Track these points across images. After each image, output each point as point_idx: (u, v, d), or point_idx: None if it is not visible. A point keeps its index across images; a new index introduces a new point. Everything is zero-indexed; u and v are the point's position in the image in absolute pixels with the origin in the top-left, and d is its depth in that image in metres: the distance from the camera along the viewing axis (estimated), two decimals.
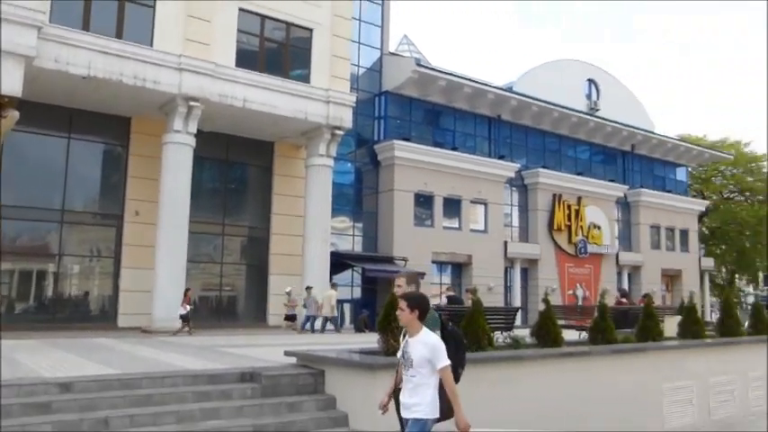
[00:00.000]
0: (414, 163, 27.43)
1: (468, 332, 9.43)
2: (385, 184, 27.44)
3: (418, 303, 4.91)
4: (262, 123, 20.92)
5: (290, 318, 20.05)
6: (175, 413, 7.11)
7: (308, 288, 19.94)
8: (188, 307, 17.91)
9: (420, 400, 4.81)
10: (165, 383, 7.80)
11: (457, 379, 5.38)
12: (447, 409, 4.99)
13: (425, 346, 4.78)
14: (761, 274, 54.03)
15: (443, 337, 5.19)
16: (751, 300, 43.75)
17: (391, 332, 8.44)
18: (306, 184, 21.94)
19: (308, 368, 8.58)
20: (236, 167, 23.18)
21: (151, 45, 18.36)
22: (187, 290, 18.27)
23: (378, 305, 22.80)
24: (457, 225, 29.04)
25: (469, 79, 29.72)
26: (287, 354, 9.14)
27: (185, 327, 17.44)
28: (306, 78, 21.33)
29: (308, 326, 19.39)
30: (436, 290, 27.27)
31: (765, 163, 46.96)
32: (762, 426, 12.40)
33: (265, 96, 19.83)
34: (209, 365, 9.13)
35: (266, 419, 7.36)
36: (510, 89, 31.67)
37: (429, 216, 28.30)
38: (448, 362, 4.76)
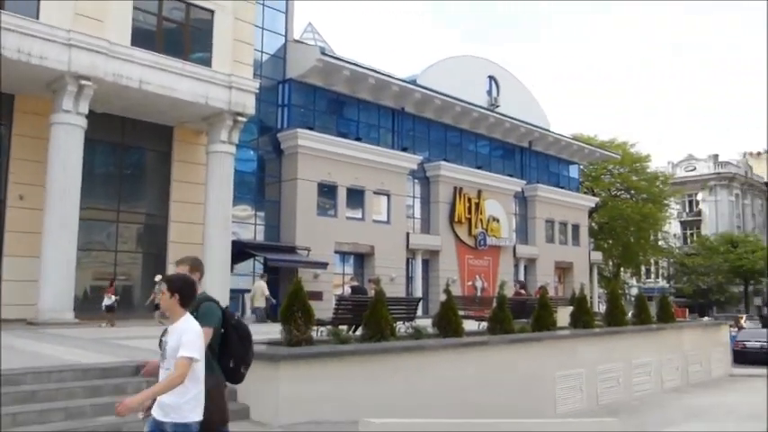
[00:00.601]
0: (317, 152, 27.21)
1: (371, 322, 9.44)
2: (288, 173, 27.08)
3: (179, 287, 4.24)
4: (160, 106, 20.08)
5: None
6: (64, 410, 6.70)
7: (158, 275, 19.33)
8: (113, 297, 17.16)
9: (177, 400, 4.03)
10: (52, 378, 7.35)
11: (240, 378, 4.93)
12: (216, 411, 4.46)
13: (180, 334, 4.09)
14: (643, 268, 57.69)
15: (226, 332, 4.74)
16: (634, 291, 46.56)
17: (294, 322, 8.32)
18: (207, 170, 21.27)
19: None
20: (133, 152, 22.15)
21: (37, 18, 17.16)
22: (112, 279, 17.41)
23: (280, 295, 22.51)
24: (360, 216, 29.11)
25: (374, 70, 29.77)
26: None
27: (109, 319, 16.81)
28: (207, 62, 20.64)
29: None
30: (339, 280, 27.30)
31: (649, 164, 50.09)
32: (643, 409, 13.18)
33: (164, 78, 19.02)
34: (102, 359, 8.67)
35: None
36: (414, 82, 32.00)
37: (332, 206, 28.19)
38: (193, 354, 4.01)
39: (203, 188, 21.21)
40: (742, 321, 44.19)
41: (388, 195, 30.23)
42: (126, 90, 18.58)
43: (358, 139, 29.48)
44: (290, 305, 8.43)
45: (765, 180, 71.66)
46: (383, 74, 30.13)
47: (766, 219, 70.62)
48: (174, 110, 20.41)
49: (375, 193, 29.64)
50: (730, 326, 26.10)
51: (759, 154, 76.58)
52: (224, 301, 19.62)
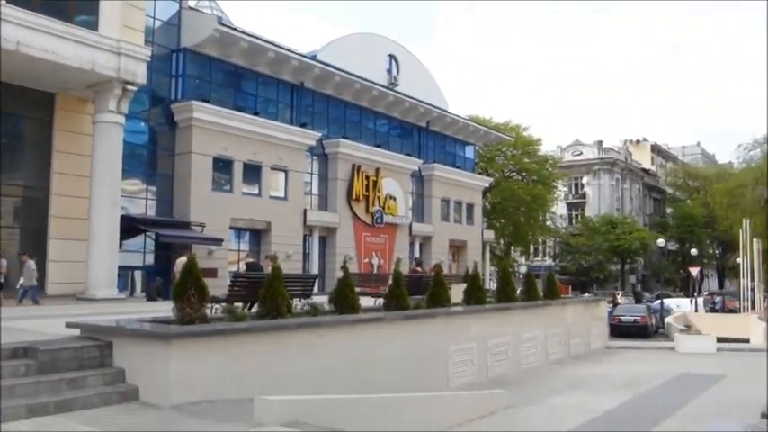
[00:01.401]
0: (213, 126, 26.38)
1: (267, 299, 9.31)
2: (182, 147, 26.10)
3: None
4: (40, 71, 18.69)
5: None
6: None
7: (23, 255, 18.24)
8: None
9: None
10: None
11: None
12: None
13: None
14: (532, 247, 60.33)
15: None
16: (523, 269, 48.61)
17: (188, 300, 8.07)
18: (93, 141, 20.10)
19: (93, 340, 7.91)
20: (8, 119, 20.51)
21: None
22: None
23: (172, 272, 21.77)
24: (257, 191, 28.58)
25: (273, 44, 29.13)
26: (69, 325, 8.34)
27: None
28: (94, 26, 19.37)
29: (25, 297, 17.31)
30: (234, 257, 26.76)
31: (540, 147, 52.22)
32: (529, 380, 13.83)
33: (45, 41, 17.68)
34: None
35: (43, 398, 6.68)
36: (313, 57, 31.60)
37: (228, 181, 27.50)
38: None
39: (89, 160, 20.06)
40: (618, 298, 47.33)
41: (286, 171, 29.85)
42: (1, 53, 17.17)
43: (256, 114, 28.82)
44: (184, 282, 8.16)
45: (642, 166, 76.61)
46: (282, 48, 29.55)
47: (642, 202, 75.62)
48: (56, 76, 19.08)
49: (272, 168, 29.17)
50: (608, 302, 27.80)
51: (638, 142, 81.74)
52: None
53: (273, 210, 28.86)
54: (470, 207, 42.29)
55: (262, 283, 9.72)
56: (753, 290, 39.37)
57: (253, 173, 28.35)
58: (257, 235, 29.11)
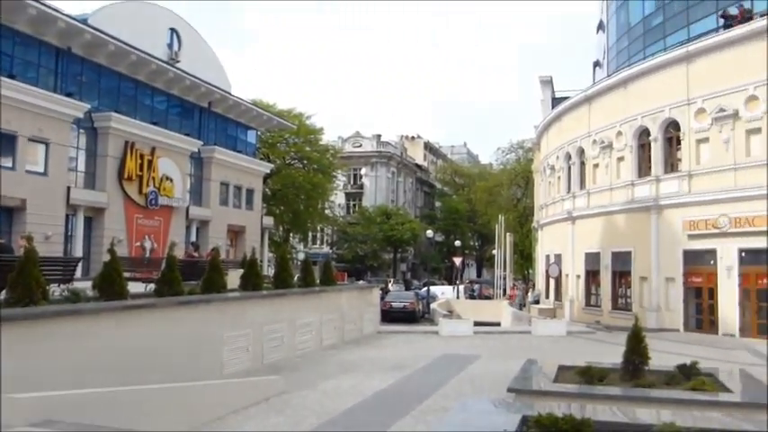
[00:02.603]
0: None
1: (18, 285, 8.30)
2: None
3: None
4: None
5: None
6: None
7: None
8: None
9: None
10: None
11: None
12: None
13: None
14: (310, 234, 61.25)
15: None
16: (302, 256, 49.20)
17: None
18: None
19: None
20: None
21: None
22: None
23: None
24: (11, 164, 25.37)
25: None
26: None
27: None
28: None
29: None
30: None
31: (322, 136, 53.07)
32: (304, 365, 13.98)
33: None
34: None
35: None
36: (84, 21, 28.79)
37: None
38: None
39: None
40: (390, 285, 49.96)
41: (47, 144, 26.87)
42: None
43: (11, 77, 25.46)
44: None
45: (416, 162, 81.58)
46: (47, 5, 26.47)
47: (414, 195, 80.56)
48: None
49: (31, 140, 26.07)
50: (380, 289, 29.14)
51: (413, 138, 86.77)
52: None
53: (30, 185, 25.83)
54: (250, 192, 41.71)
55: (12, 267, 8.63)
56: (505, 278, 43.97)
57: (6, 143, 25.05)
58: (9, 213, 25.85)
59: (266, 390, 10.43)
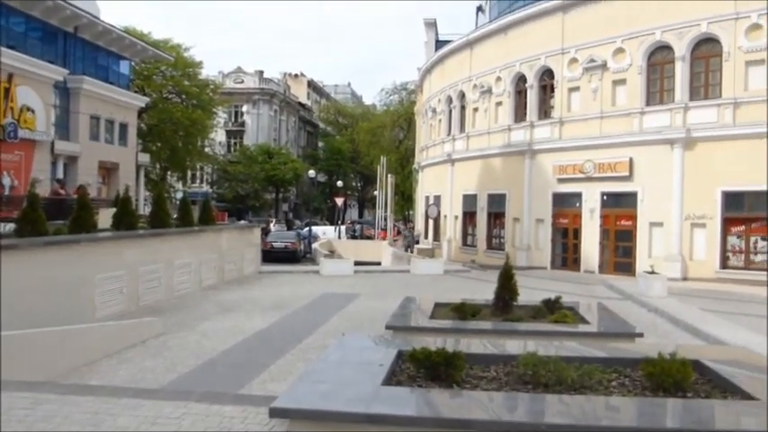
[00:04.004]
0: None
1: None
2: None
3: None
4: None
5: None
6: None
7: None
8: None
9: None
10: None
11: None
12: None
13: None
14: (190, 173, 59.13)
15: None
16: (180, 195, 47.45)
17: None
18: None
19: None
20: None
21: None
22: None
23: None
24: None
25: None
26: None
27: None
28: None
29: None
30: None
31: (202, 70, 50.69)
32: (183, 306, 13.71)
33: None
34: None
35: None
36: None
37: None
38: None
39: None
40: (271, 225, 49.58)
41: None
42: None
43: None
44: None
45: (299, 100, 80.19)
46: None
47: (297, 135, 79.48)
48: None
49: None
50: (261, 229, 28.83)
51: (296, 76, 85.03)
52: None
53: None
54: (124, 127, 39.37)
55: None
56: (386, 219, 44.81)
57: None
58: None
59: (142, 332, 10.17)
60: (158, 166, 50.21)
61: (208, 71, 54.97)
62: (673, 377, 4.70)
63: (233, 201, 61.10)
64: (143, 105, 41.97)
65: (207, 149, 56.13)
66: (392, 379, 5.10)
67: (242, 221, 42.00)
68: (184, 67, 47.74)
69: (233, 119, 68.68)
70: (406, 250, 27.32)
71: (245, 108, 68.86)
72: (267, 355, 9.37)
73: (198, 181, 64.92)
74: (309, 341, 10.39)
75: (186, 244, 15.89)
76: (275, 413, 4.26)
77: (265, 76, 70.65)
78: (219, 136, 63.32)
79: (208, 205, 19.22)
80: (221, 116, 60.85)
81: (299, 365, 8.56)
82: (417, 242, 31.73)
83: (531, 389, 4.87)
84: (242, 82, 68.69)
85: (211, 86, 52.60)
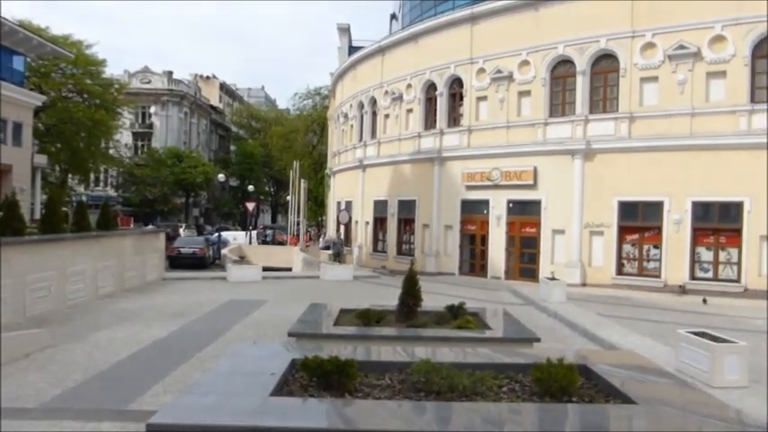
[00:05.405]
0: None
1: None
2: None
3: None
4: None
5: None
6: None
7: None
8: None
9: None
10: None
11: None
12: None
13: None
14: (93, 176, 56.52)
15: None
16: (85, 199, 45.19)
17: None
18: None
19: None
20: None
21: None
22: None
23: None
24: None
25: None
26: None
27: None
28: None
29: None
30: None
31: (105, 69, 48.56)
32: (76, 316, 12.99)
33: None
34: None
35: None
36: None
37: None
38: None
39: None
40: (180, 230, 48.16)
41: None
42: None
43: None
44: None
45: (211, 103, 78.41)
46: None
47: (209, 138, 77.63)
48: None
49: None
50: (167, 234, 27.89)
51: (208, 78, 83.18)
52: None
53: None
54: (18, 126, 37.12)
55: None
56: (299, 224, 44.39)
57: None
58: None
59: (26, 345, 9.55)
60: (58, 168, 47.71)
61: (112, 70, 52.82)
62: (559, 382, 4.81)
63: (140, 205, 58.93)
64: (40, 104, 39.73)
65: (111, 151, 53.78)
66: (283, 389, 4.97)
67: (149, 226, 40.57)
68: (86, 64, 45.54)
69: (140, 120, 66.27)
70: (335, 259, 27.01)
71: (153, 109, 66.59)
72: (163, 365, 8.99)
73: (102, 184, 62.21)
74: (209, 350, 10.06)
75: (81, 250, 15.09)
76: (152, 428, 4.04)
77: (175, 77, 68.62)
78: (125, 138, 60.89)
79: (107, 209, 18.35)
80: (127, 117, 58.55)
81: (197, 376, 8.24)
82: (328, 247, 31.53)
83: (423, 396, 4.86)
84: (149, 82, 66.41)
85: (116, 86, 50.45)
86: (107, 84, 48.70)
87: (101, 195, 54.40)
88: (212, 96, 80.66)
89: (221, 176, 50.81)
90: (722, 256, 19.60)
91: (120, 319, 12.84)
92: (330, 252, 29.04)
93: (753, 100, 19.20)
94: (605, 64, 21.79)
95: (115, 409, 6.20)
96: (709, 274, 19.67)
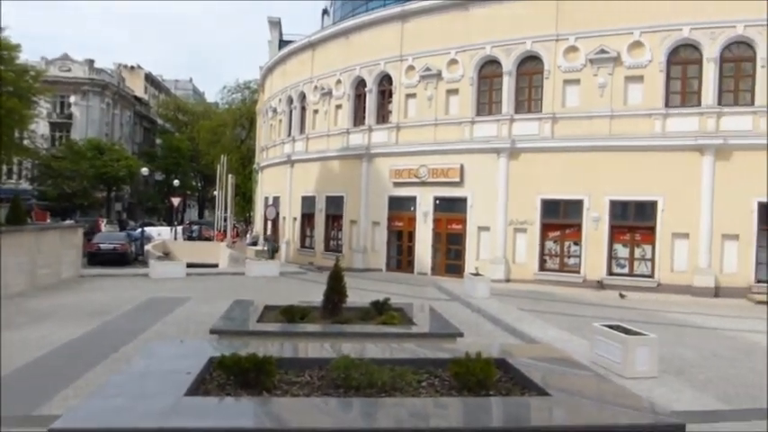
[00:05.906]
0: None
1: None
2: None
3: None
4: None
5: None
6: None
7: None
8: None
9: None
10: None
11: None
12: None
13: None
14: (5, 168, 53.72)
15: None
16: None
17: None
18: None
19: None
20: None
21: None
22: None
23: None
24: None
25: None
26: None
27: None
28: None
29: None
30: None
31: (20, 54, 46.15)
32: None
33: None
34: None
35: None
36: None
37: None
38: None
39: None
40: (102, 225, 46.41)
41: None
42: None
43: None
44: None
45: (135, 94, 75.88)
46: None
47: (133, 130, 75.11)
48: None
49: None
50: (87, 229, 26.84)
51: (133, 68, 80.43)
52: None
53: None
54: None
55: None
56: (226, 220, 43.59)
57: None
58: None
59: None
60: None
61: (28, 56, 50.24)
62: (476, 376, 4.87)
63: (58, 199, 56.33)
64: None
65: (26, 142, 51.19)
66: (199, 388, 4.84)
67: (68, 221, 38.90)
68: None
69: (58, 110, 63.39)
70: (271, 256, 26.56)
71: (72, 99, 63.77)
72: (76, 367, 8.62)
73: (16, 177, 59.15)
74: (126, 350, 9.71)
75: None
76: None
77: (97, 66, 65.99)
78: (42, 128, 58.08)
79: (18, 203, 17.50)
80: (44, 106, 55.85)
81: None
82: (255, 243, 31.03)
83: (342, 393, 4.83)
84: (69, 70, 63.60)
85: (32, 73, 48.02)
86: (21, 70, 46.25)
87: (14, 189, 51.75)
88: (137, 87, 78.06)
89: (145, 170, 49.35)
90: (637, 252, 20.47)
91: (33, 320, 12.29)
92: (264, 249, 28.62)
93: (667, 104, 20.13)
94: (530, 65, 22.32)
95: (18, 416, 5.88)
96: (626, 270, 20.50)
